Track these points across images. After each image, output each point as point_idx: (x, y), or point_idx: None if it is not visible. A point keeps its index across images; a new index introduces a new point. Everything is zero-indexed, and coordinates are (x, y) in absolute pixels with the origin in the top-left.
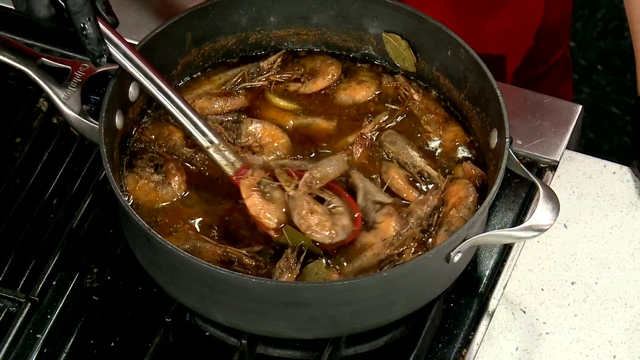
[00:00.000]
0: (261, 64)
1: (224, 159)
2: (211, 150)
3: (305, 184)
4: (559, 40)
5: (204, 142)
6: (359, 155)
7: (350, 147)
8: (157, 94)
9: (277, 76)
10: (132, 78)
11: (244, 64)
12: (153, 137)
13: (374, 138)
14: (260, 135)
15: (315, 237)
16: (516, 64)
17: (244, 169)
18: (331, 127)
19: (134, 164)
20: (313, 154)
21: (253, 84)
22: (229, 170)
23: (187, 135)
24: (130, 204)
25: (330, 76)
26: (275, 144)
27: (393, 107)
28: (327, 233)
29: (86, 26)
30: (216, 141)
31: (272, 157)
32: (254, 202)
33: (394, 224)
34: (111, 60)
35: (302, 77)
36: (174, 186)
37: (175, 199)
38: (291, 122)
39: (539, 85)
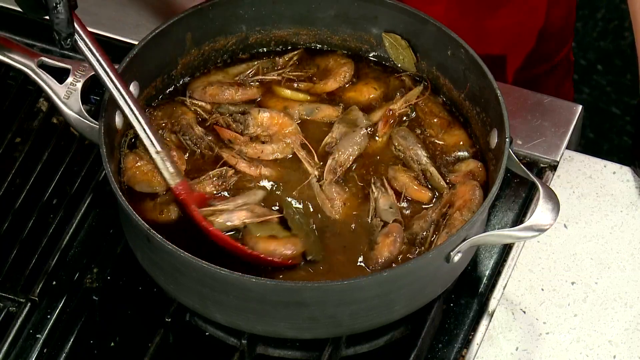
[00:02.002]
0: (277, 59)
1: (166, 168)
2: (157, 157)
3: (330, 171)
4: (563, 38)
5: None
6: (385, 131)
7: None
8: (116, 94)
9: (291, 73)
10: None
11: (250, 60)
12: (163, 122)
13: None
14: (268, 124)
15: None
16: (520, 62)
17: (182, 184)
18: (337, 113)
19: (137, 146)
20: None
21: (266, 77)
22: (171, 181)
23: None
24: (124, 183)
25: (342, 77)
26: (284, 132)
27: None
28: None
29: (58, 6)
30: (159, 149)
31: (281, 144)
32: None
33: (389, 246)
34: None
35: (313, 76)
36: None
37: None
38: (297, 110)
39: (542, 84)
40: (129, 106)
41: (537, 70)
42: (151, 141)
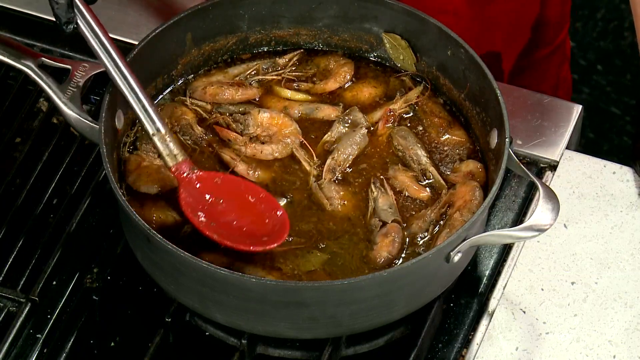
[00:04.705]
0: (277, 60)
1: (167, 149)
2: (155, 138)
3: (329, 171)
4: (562, 18)
5: (150, 129)
6: (384, 131)
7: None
8: (114, 71)
9: (291, 74)
10: (92, 51)
11: (250, 60)
12: (166, 120)
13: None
14: (268, 124)
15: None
16: (523, 46)
17: (184, 163)
18: (337, 113)
19: (138, 147)
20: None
21: (266, 77)
22: (169, 161)
23: (138, 119)
24: (129, 185)
25: (342, 77)
26: (284, 132)
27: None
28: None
29: None
30: (162, 130)
31: (281, 144)
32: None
33: (388, 246)
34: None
35: (314, 76)
36: None
37: (174, 185)
38: (297, 110)
39: (545, 67)
40: (128, 84)
41: (539, 53)
42: (150, 120)
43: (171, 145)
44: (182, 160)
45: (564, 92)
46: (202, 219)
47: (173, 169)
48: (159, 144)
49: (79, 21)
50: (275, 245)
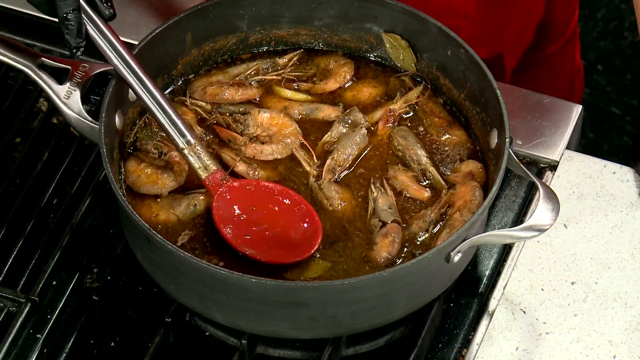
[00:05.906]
0: (277, 60)
1: (199, 161)
2: (186, 152)
3: (328, 171)
4: (570, 11)
5: (180, 142)
6: (384, 131)
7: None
8: (138, 87)
9: (291, 74)
10: (116, 71)
11: (250, 60)
12: None
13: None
14: (268, 124)
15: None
16: (533, 43)
17: (218, 173)
18: (337, 113)
19: (138, 149)
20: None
21: (266, 77)
22: (202, 174)
23: (165, 134)
24: (126, 186)
25: (342, 77)
26: (284, 132)
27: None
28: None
29: (68, 16)
30: (193, 142)
31: (280, 144)
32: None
33: (388, 246)
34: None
35: (314, 76)
36: (175, 172)
37: (174, 186)
38: (297, 110)
39: (558, 61)
40: (154, 98)
41: (552, 47)
42: (179, 134)
43: (203, 156)
44: (215, 170)
45: (580, 82)
46: (234, 232)
47: (206, 182)
48: (190, 158)
49: (98, 39)
50: (308, 255)
